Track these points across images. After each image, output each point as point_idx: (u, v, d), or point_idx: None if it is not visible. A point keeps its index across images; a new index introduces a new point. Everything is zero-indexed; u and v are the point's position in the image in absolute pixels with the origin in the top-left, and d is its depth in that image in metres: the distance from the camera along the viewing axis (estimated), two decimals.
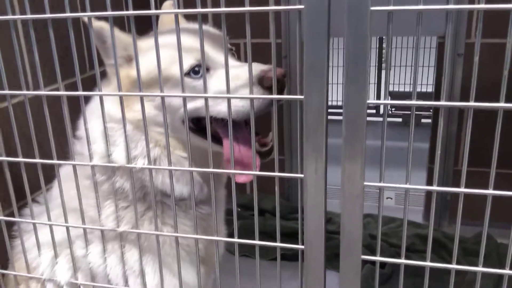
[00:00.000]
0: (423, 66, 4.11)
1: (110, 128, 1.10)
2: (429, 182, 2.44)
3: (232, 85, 0.96)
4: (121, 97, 0.91)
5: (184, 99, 0.87)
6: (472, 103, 0.70)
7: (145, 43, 1.16)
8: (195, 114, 1.15)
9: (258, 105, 1.06)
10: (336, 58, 4.22)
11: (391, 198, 3.01)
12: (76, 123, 1.21)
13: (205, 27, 1.25)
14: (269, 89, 1.04)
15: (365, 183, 0.78)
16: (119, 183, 1.16)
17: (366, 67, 0.71)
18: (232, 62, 1.16)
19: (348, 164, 0.78)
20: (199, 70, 1.13)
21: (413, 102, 0.72)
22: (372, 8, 0.68)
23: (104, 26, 1.11)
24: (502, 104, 0.69)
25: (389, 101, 0.75)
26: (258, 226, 0.91)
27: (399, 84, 4.56)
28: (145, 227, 1.20)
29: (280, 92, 1.06)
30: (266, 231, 2.29)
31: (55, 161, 0.99)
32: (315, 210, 0.83)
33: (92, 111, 1.10)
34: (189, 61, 1.11)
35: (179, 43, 0.82)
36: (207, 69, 1.15)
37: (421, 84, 4.10)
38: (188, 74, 1.13)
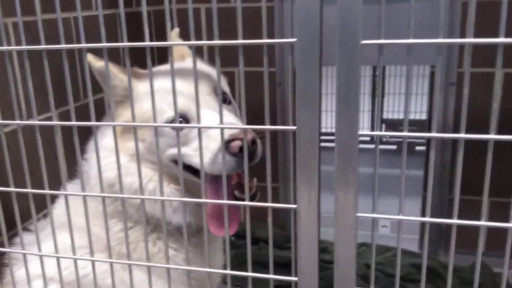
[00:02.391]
0: (416, 94, 4.13)
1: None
2: (424, 210, 2.44)
3: (203, 144, 0.98)
4: (114, 128, 0.91)
5: (177, 130, 0.88)
6: (462, 135, 0.70)
7: (142, 86, 1.19)
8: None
9: (225, 168, 1.07)
10: (330, 86, 4.23)
11: (387, 227, 2.99)
12: (84, 147, 1.27)
13: (200, 66, 1.26)
14: (236, 155, 1.05)
15: (358, 214, 0.78)
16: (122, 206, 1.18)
17: (357, 99, 0.71)
18: (214, 114, 1.12)
19: (341, 195, 0.78)
20: (181, 121, 1.16)
21: (404, 133, 0.73)
22: (363, 41, 0.69)
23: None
24: (492, 136, 0.69)
25: (381, 133, 0.76)
26: (253, 256, 0.90)
27: (393, 111, 4.59)
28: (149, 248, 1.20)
29: (250, 158, 1.05)
30: (261, 261, 2.25)
31: (46, 191, 0.98)
32: (308, 241, 0.82)
33: (101, 146, 1.13)
34: (168, 114, 1.15)
35: (174, 84, 0.82)
36: (188, 121, 1.17)
37: (415, 112, 4.12)
38: (170, 123, 1.15)
